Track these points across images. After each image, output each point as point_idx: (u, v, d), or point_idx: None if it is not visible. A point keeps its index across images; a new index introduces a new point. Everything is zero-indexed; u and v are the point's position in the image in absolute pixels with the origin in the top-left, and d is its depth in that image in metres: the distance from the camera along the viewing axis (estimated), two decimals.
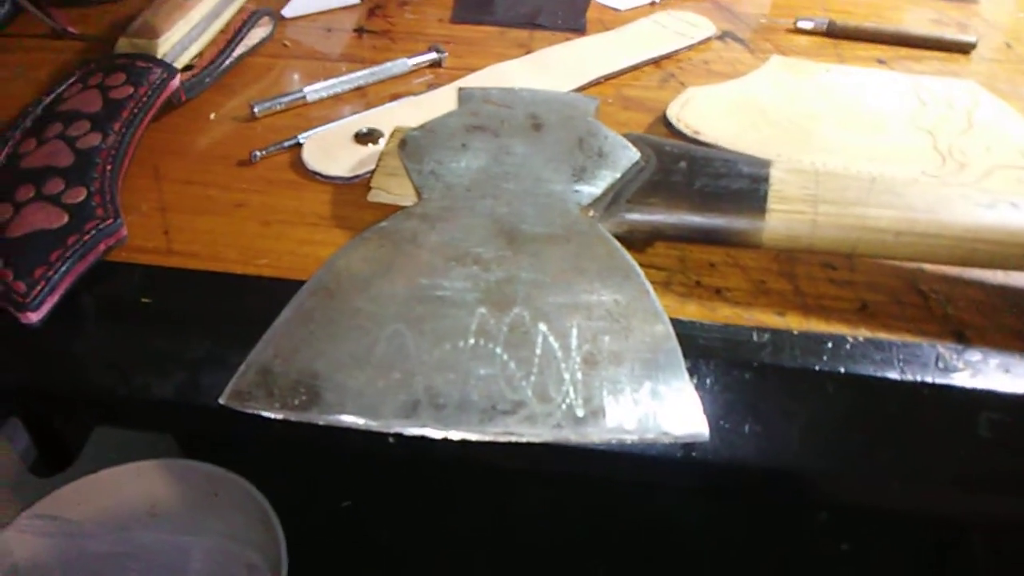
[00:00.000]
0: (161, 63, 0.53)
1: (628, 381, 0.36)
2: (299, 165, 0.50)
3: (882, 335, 0.40)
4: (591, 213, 0.43)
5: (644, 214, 0.43)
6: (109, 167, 0.46)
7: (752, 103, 0.56)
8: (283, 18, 0.67)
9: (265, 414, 0.36)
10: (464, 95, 0.50)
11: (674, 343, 0.37)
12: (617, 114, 0.56)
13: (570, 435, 0.35)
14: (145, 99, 0.50)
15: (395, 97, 0.57)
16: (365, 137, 0.52)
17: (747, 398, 0.39)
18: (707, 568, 0.98)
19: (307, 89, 0.56)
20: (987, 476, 0.39)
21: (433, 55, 0.61)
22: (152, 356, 0.40)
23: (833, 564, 0.99)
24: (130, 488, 0.83)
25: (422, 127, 0.47)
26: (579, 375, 0.36)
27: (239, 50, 0.60)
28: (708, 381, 0.38)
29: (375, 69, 0.59)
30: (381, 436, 0.36)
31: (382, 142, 0.51)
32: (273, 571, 0.76)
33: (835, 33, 0.67)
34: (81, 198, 0.43)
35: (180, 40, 0.55)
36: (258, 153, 0.51)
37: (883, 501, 0.43)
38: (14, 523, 0.77)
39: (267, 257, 0.44)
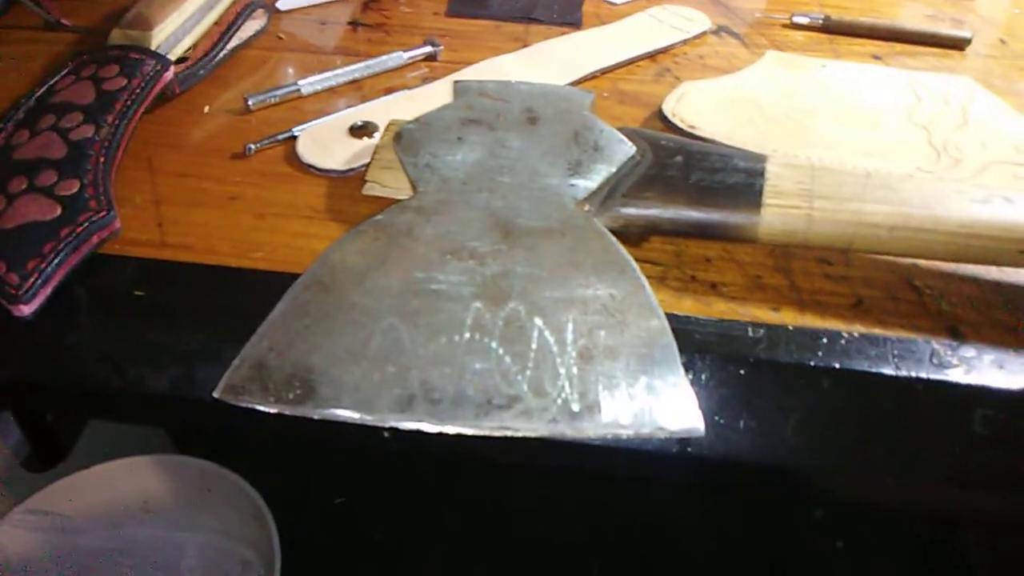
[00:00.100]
0: (155, 55, 0.53)
1: (624, 376, 0.36)
2: (294, 158, 0.50)
3: (877, 331, 0.40)
4: (587, 207, 0.43)
5: (640, 208, 0.43)
6: (102, 159, 0.45)
7: (748, 98, 0.56)
8: (277, 11, 0.67)
9: (259, 408, 0.36)
10: (460, 88, 0.50)
11: (669, 338, 0.37)
12: (613, 108, 0.56)
13: (565, 430, 0.35)
14: (138, 91, 0.50)
15: (390, 90, 0.57)
16: (360, 130, 0.51)
17: (742, 393, 0.38)
18: (702, 564, 0.98)
19: (302, 82, 0.56)
20: (981, 472, 0.39)
21: (428, 48, 0.61)
22: (146, 349, 0.40)
23: (828, 560, 0.99)
24: (123, 484, 0.83)
25: (417, 120, 0.47)
26: (575, 370, 0.36)
27: (233, 43, 0.59)
28: (703, 376, 0.38)
29: (370, 62, 0.59)
30: (376, 430, 0.36)
31: (377, 135, 0.51)
32: (266, 567, 0.76)
33: (831, 28, 0.66)
34: (74, 190, 0.43)
35: (174, 32, 0.55)
36: (252, 146, 0.51)
37: (878, 497, 0.43)
38: (6, 518, 0.77)
39: (261, 250, 0.44)
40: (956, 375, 0.38)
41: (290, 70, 0.60)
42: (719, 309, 0.41)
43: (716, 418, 0.38)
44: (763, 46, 0.64)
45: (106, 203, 0.43)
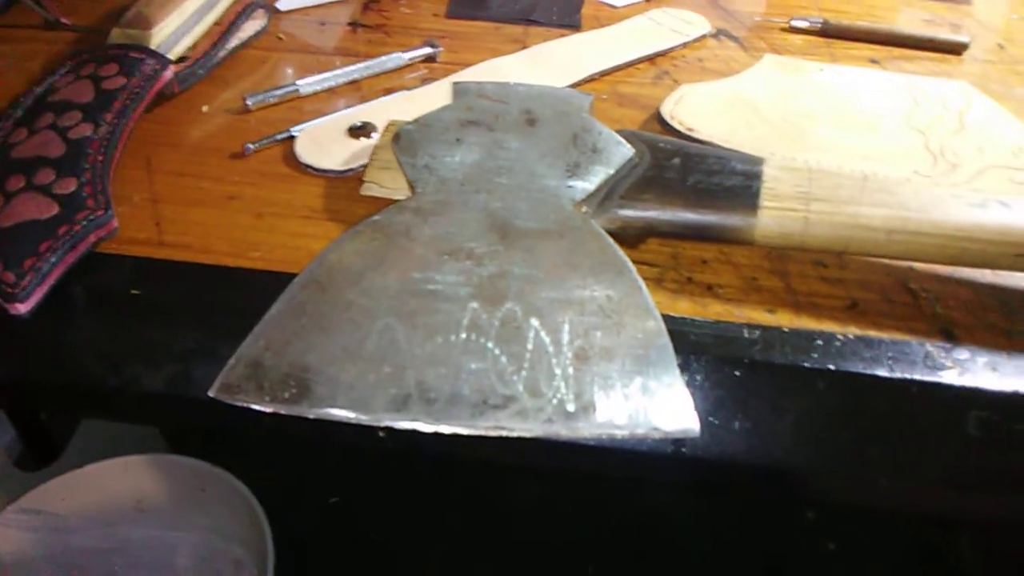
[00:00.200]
0: (154, 54, 0.53)
1: (619, 376, 0.36)
2: (292, 158, 0.50)
3: (872, 333, 0.40)
4: (584, 209, 0.43)
5: (637, 210, 0.43)
6: (100, 158, 0.45)
7: (746, 101, 0.56)
8: (277, 11, 0.67)
9: (255, 407, 0.36)
10: (459, 89, 0.50)
11: (666, 339, 0.37)
12: (611, 110, 0.56)
13: (561, 430, 0.35)
14: (137, 90, 0.50)
15: (389, 91, 0.57)
16: (358, 131, 0.51)
17: (737, 394, 0.39)
18: (697, 564, 0.98)
19: (301, 82, 0.56)
20: (975, 474, 0.39)
21: (428, 50, 0.61)
22: (142, 348, 0.40)
23: (823, 562, 0.99)
24: (116, 483, 0.83)
25: (416, 121, 0.47)
26: (570, 370, 0.36)
27: (233, 42, 0.60)
28: (699, 377, 0.39)
29: (369, 63, 0.59)
30: (371, 430, 0.36)
31: (375, 136, 0.51)
32: (260, 567, 0.76)
33: (829, 32, 0.67)
34: (72, 189, 0.43)
35: (173, 31, 0.55)
36: (251, 146, 0.51)
37: (872, 498, 0.44)
38: None
39: (259, 250, 0.44)
40: (950, 377, 0.38)
41: (289, 70, 0.60)
42: (715, 311, 0.41)
43: (711, 419, 0.38)
44: (761, 50, 0.65)
45: (104, 202, 0.43)
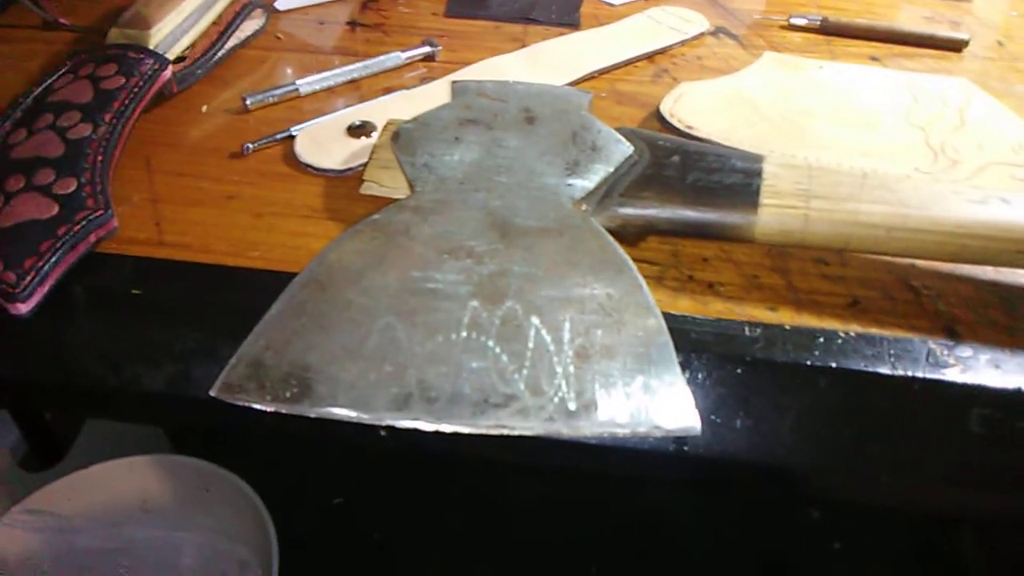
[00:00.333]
0: (153, 54, 0.53)
1: (620, 375, 0.36)
2: (291, 158, 0.50)
3: (873, 330, 0.40)
4: (584, 207, 0.43)
5: (637, 208, 0.43)
6: (100, 158, 0.45)
7: (745, 99, 0.56)
8: (276, 11, 0.67)
9: (256, 407, 0.36)
10: (458, 88, 0.50)
11: (666, 337, 0.37)
12: (610, 108, 0.56)
13: (562, 428, 0.35)
14: (136, 90, 0.50)
15: (388, 90, 0.57)
16: (358, 130, 0.51)
17: (739, 392, 0.39)
18: (699, 563, 0.98)
19: (300, 82, 0.56)
20: (977, 471, 0.39)
21: (427, 49, 0.61)
22: (143, 348, 0.40)
23: (825, 560, 0.99)
24: (121, 483, 0.83)
25: (415, 120, 0.47)
26: (571, 368, 0.36)
27: (231, 42, 0.59)
28: (700, 375, 0.38)
29: (368, 62, 0.59)
30: (373, 429, 0.36)
31: (375, 135, 0.51)
32: (264, 567, 0.76)
33: (828, 30, 0.67)
34: (71, 189, 0.43)
35: (172, 31, 0.55)
36: (250, 145, 0.51)
37: (874, 496, 0.43)
38: (4, 518, 0.77)
39: (259, 249, 0.44)
40: (952, 375, 0.38)
41: (288, 70, 0.60)
42: (716, 309, 0.41)
43: (713, 417, 0.38)
44: (761, 47, 0.64)
45: (103, 202, 0.43)
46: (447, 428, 0.35)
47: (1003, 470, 0.39)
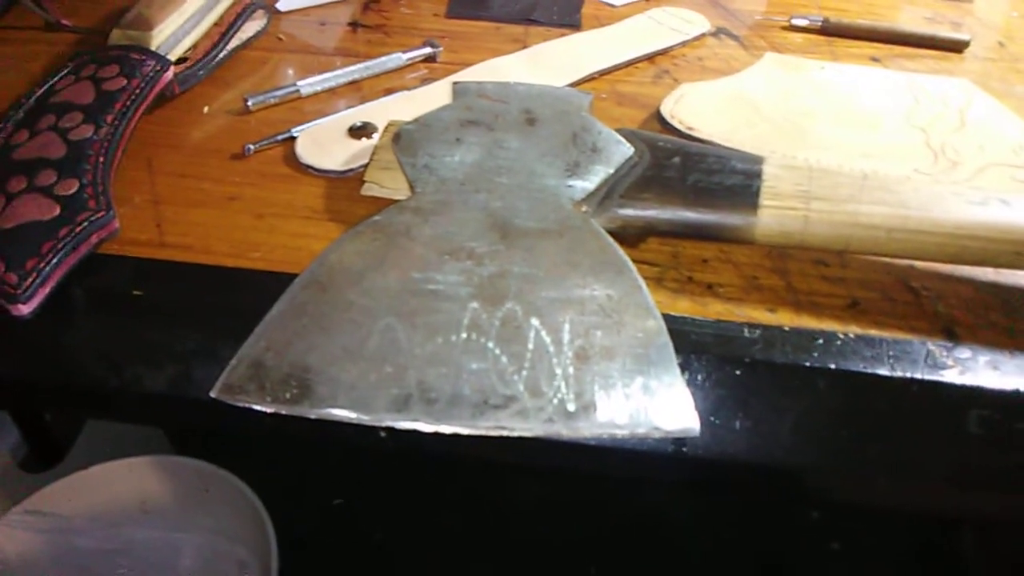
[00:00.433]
0: (155, 55, 0.53)
1: (620, 376, 0.36)
2: (292, 159, 0.50)
3: (873, 332, 0.40)
4: (584, 208, 0.43)
5: (637, 209, 0.43)
6: (101, 159, 0.45)
7: (746, 100, 0.56)
8: (277, 12, 0.67)
9: (256, 408, 0.36)
10: (459, 89, 0.50)
11: (666, 338, 0.37)
12: (611, 110, 0.56)
13: (561, 430, 0.35)
14: (138, 91, 0.50)
15: (389, 91, 0.57)
16: (359, 131, 0.51)
17: (738, 394, 0.39)
18: (697, 563, 0.98)
19: (301, 83, 0.56)
20: (976, 473, 0.39)
21: (428, 50, 0.61)
22: (144, 349, 0.40)
23: (824, 561, 0.99)
24: (121, 484, 0.83)
25: (416, 121, 0.47)
26: (571, 370, 0.36)
27: (233, 43, 0.60)
28: (699, 377, 0.39)
29: (369, 63, 0.59)
30: (373, 430, 0.36)
31: (376, 136, 0.51)
32: (263, 568, 0.76)
33: (829, 31, 0.67)
34: (73, 190, 0.43)
35: (174, 32, 0.55)
36: (251, 146, 0.51)
37: (873, 497, 0.43)
38: (4, 518, 0.77)
39: (260, 250, 0.44)
40: (951, 376, 0.38)
41: (290, 71, 0.60)
42: (715, 310, 0.41)
43: (712, 418, 0.38)
44: (762, 48, 0.64)
45: (105, 203, 0.43)
46: (447, 429, 0.35)
47: (1002, 471, 0.39)
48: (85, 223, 0.42)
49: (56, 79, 0.51)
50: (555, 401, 0.35)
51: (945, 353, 0.39)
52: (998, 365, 0.39)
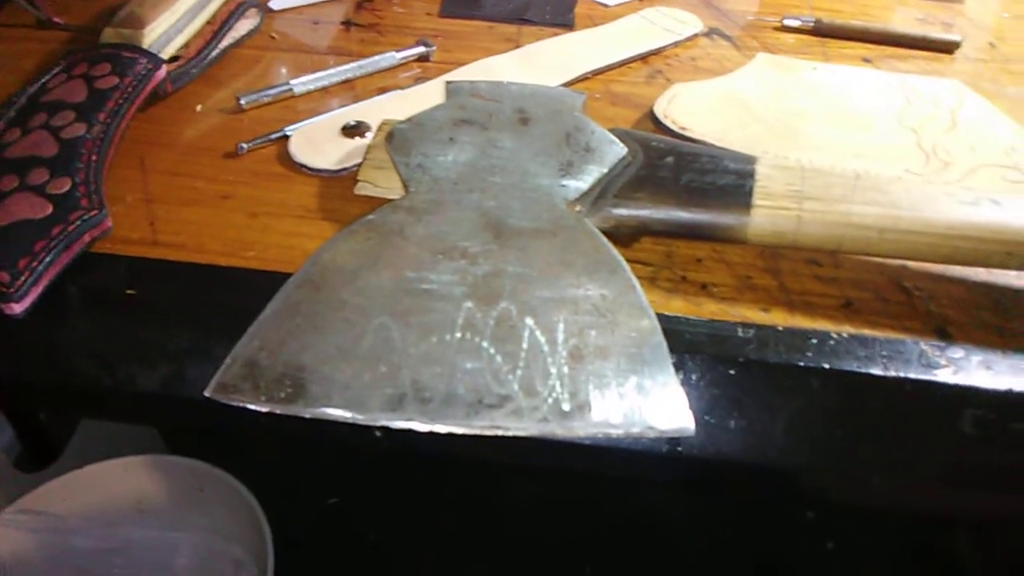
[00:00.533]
0: (147, 54, 0.53)
1: (614, 375, 0.36)
2: (286, 158, 0.50)
3: (866, 331, 0.40)
4: (578, 208, 0.43)
5: (631, 209, 0.43)
6: (94, 157, 0.45)
7: (738, 100, 0.56)
8: (270, 10, 0.66)
9: (251, 407, 0.36)
10: (452, 89, 0.50)
11: (660, 338, 0.37)
12: (604, 109, 0.56)
13: (556, 429, 0.35)
14: (130, 90, 0.50)
15: (383, 90, 0.57)
16: (352, 130, 0.51)
17: (732, 393, 0.39)
18: (691, 563, 0.99)
19: (294, 82, 0.56)
20: (970, 472, 0.40)
21: (421, 49, 0.61)
22: (137, 348, 0.40)
23: (818, 560, 0.99)
24: (116, 483, 0.83)
25: (409, 120, 0.47)
26: (565, 369, 0.36)
27: (226, 42, 0.59)
28: (693, 376, 0.39)
29: (363, 62, 0.59)
30: (367, 429, 0.36)
31: (369, 135, 0.51)
32: (259, 567, 0.76)
33: (822, 31, 0.67)
34: (65, 188, 0.43)
35: (166, 31, 0.55)
36: (245, 145, 0.51)
37: (867, 497, 0.44)
38: None
39: (253, 249, 0.44)
40: (944, 376, 0.38)
41: (283, 69, 0.60)
42: (709, 309, 0.41)
43: (706, 418, 0.38)
44: (754, 48, 0.65)
45: (98, 202, 0.43)
46: (441, 429, 0.35)
47: (995, 470, 0.39)
48: (78, 222, 0.41)
49: (48, 77, 0.51)
50: (550, 400, 0.35)
51: (938, 353, 0.39)
52: (991, 364, 0.39)
